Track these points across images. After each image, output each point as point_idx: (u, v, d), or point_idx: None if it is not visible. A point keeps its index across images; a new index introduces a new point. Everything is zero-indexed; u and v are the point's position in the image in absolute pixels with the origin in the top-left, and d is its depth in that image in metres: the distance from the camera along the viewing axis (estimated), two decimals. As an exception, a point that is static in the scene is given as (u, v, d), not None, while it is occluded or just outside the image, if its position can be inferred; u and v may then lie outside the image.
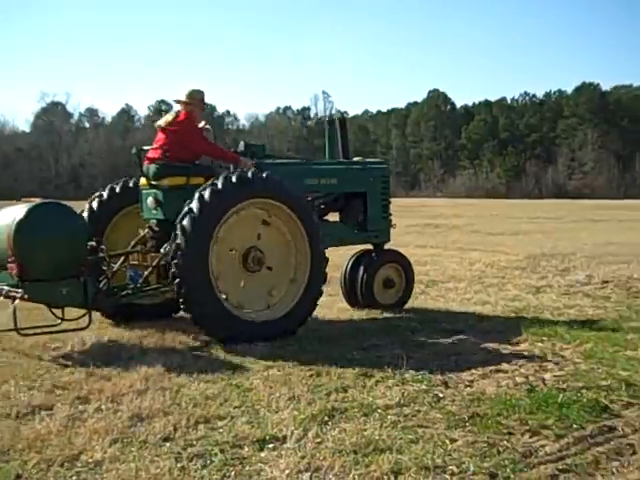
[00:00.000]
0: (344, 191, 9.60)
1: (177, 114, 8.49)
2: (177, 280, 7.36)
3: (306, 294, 8.06)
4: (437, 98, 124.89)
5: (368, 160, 10.53)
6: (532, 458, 4.32)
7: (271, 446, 4.57)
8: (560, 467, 4.18)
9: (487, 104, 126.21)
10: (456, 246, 17.57)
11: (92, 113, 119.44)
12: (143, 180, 8.38)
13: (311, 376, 6.17)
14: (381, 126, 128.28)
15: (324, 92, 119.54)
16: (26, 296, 6.90)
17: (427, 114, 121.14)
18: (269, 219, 8.07)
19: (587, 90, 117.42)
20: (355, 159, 10.05)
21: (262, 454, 4.45)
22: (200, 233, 7.36)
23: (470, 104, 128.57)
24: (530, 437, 4.68)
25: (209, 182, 7.68)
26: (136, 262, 8.46)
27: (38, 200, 7.54)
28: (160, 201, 8.13)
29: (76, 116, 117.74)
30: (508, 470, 4.14)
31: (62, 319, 7.58)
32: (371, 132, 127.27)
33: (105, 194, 8.92)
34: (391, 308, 9.35)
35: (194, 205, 7.41)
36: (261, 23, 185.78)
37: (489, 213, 43.38)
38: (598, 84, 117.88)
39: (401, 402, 5.42)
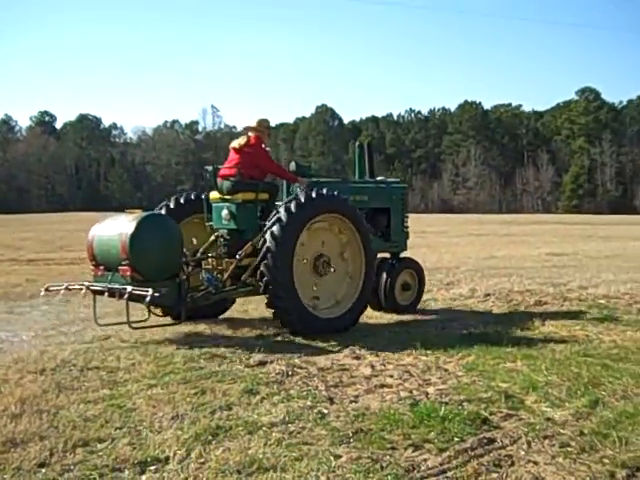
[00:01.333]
0: (372, 206, 10.84)
1: (248, 138, 9.60)
2: (265, 278, 8.55)
3: (362, 294, 9.45)
4: (325, 113, 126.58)
5: (390, 180, 11.94)
6: (415, 472, 4.36)
7: (153, 468, 4.46)
8: (442, 480, 4.23)
9: (374, 120, 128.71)
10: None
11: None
12: (214, 194, 9.58)
13: (196, 394, 6.07)
14: (270, 140, 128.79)
15: (213, 106, 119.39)
16: (157, 294, 7.77)
17: (315, 129, 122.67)
18: (332, 230, 9.39)
19: (470, 108, 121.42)
20: (378, 179, 11.43)
21: (143, 477, 4.33)
22: (287, 238, 8.57)
23: (357, 119, 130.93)
24: (413, 451, 4.72)
25: (292, 196, 9.03)
26: (209, 267, 9.51)
27: (140, 212, 8.70)
28: (234, 213, 9.32)
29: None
30: (391, 485, 4.16)
31: (151, 313, 8.83)
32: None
33: (172, 204, 10.02)
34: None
35: (282, 215, 8.65)
36: (149, 36, 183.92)
37: (376, 227, 43.95)
38: (480, 102, 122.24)
39: (286, 419, 5.39)
